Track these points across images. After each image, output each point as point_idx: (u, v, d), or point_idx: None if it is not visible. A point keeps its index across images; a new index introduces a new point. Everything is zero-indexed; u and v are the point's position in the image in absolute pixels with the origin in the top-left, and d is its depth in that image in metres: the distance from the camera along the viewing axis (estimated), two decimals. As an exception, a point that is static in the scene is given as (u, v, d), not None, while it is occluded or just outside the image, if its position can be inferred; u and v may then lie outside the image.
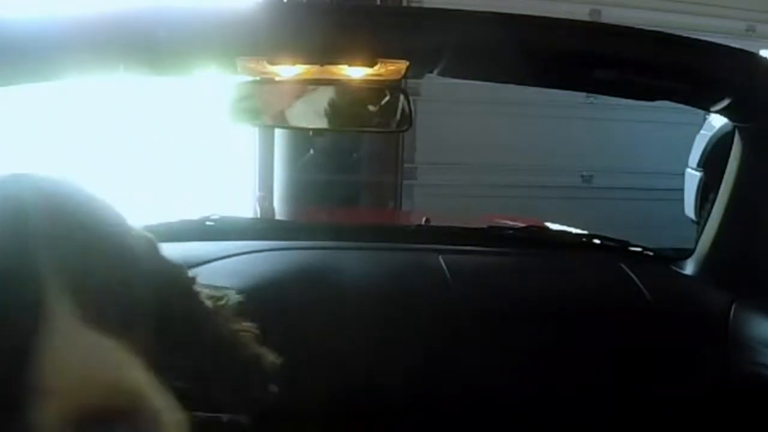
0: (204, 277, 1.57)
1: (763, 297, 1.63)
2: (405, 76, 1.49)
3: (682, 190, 5.19)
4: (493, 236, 1.97)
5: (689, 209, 5.08)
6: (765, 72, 1.50)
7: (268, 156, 4.98)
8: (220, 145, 4.93)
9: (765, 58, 1.56)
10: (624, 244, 1.94)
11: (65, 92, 3.92)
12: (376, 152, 5.39)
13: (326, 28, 1.39)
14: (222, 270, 1.61)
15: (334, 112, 1.57)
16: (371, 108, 1.58)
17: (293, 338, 1.54)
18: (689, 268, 1.78)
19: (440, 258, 1.72)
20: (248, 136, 4.96)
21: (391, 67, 1.44)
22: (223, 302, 0.93)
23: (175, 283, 0.75)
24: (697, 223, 4.75)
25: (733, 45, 1.49)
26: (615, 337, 1.63)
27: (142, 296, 0.67)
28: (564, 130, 5.58)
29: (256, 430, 1.51)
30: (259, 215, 2.78)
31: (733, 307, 1.63)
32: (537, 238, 2.02)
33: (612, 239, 1.96)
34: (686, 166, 5.17)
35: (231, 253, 1.66)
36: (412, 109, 1.57)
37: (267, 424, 1.51)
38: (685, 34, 1.51)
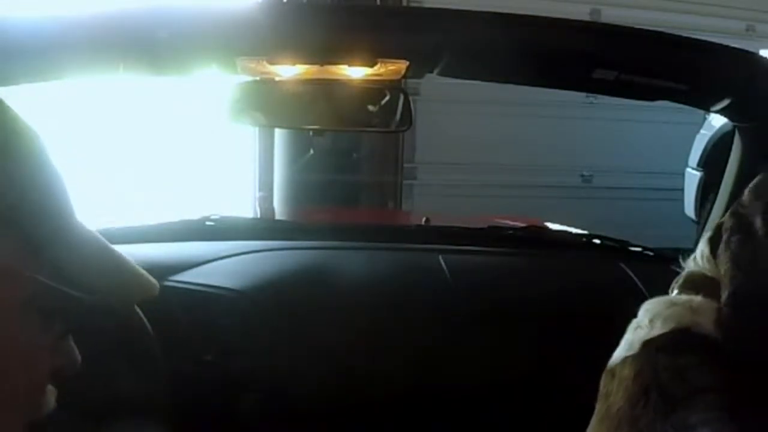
0: (204, 277, 1.58)
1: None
2: (405, 76, 1.49)
3: (682, 190, 5.19)
4: (493, 236, 1.97)
5: (689, 209, 5.08)
6: (765, 72, 1.50)
7: (268, 156, 4.98)
8: (220, 145, 4.93)
9: (765, 58, 1.56)
10: (624, 244, 1.94)
11: (65, 92, 3.92)
12: (376, 152, 5.39)
13: (326, 28, 1.39)
14: (222, 270, 1.62)
15: (334, 112, 1.57)
16: (371, 108, 1.58)
17: (293, 338, 1.54)
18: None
19: (440, 258, 1.72)
20: (248, 136, 4.96)
21: (391, 67, 1.44)
22: None
23: None
24: (697, 223, 4.74)
25: (733, 45, 1.49)
26: (615, 337, 1.62)
27: None
28: (564, 130, 5.58)
29: (259, 424, 1.52)
30: (259, 215, 2.78)
31: (733, 307, 1.63)
32: (537, 238, 2.02)
33: (612, 239, 1.96)
34: (686, 165, 5.17)
35: (231, 253, 1.67)
36: (412, 109, 1.57)
37: (267, 422, 1.51)
38: (685, 34, 1.50)
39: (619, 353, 0.99)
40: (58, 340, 0.60)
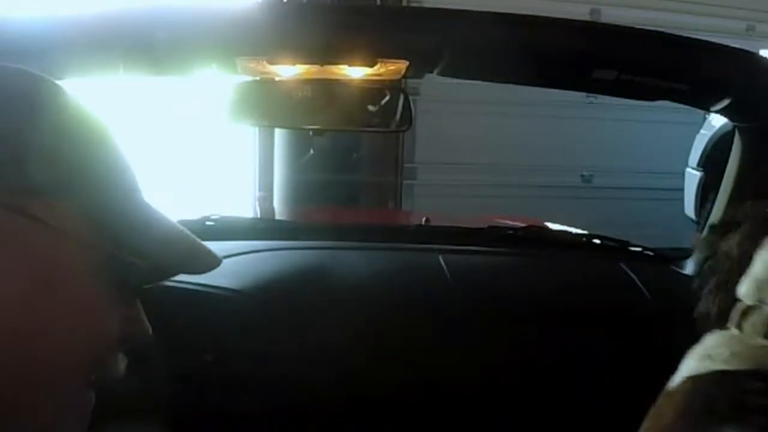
0: (204, 277, 1.58)
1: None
2: (405, 76, 1.49)
3: (682, 190, 5.19)
4: (493, 236, 1.97)
5: (689, 209, 5.09)
6: (765, 72, 1.50)
7: (268, 156, 4.98)
8: (220, 145, 4.93)
9: (765, 58, 1.56)
10: (624, 244, 1.94)
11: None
12: (376, 152, 5.39)
13: (326, 28, 1.39)
14: (222, 270, 1.60)
15: (334, 112, 1.57)
16: (371, 108, 1.58)
17: (293, 338, 1.54)
18: (689, 268, 1.78)
19: (440, 258, 1.72)
20: (248, 136, 4.96)
21: (391, 67, 1.44)
22: None
23: None
24: (697, 223, 4.75)
25: (733, 45, 1.49)
26: (615, 337, 1.63)
27: None
28: (564, 130, 5.58)
29: (259, 425, 1.52)
30: (259, 215, 2.78)
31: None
32: (537, 238, 2.02)
33: (612, 239, 1.96)
34: (686, 166, 5.17)
35: (231, 253, 1.66)
36: (412, 109, 1.57)
37: (267, 422, 1.51)
38: (685, 34, 1.51)
39: (680, 376, 0.95)
40: (128, 309, 0.64)
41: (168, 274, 0.69)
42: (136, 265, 0.63)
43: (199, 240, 0.68)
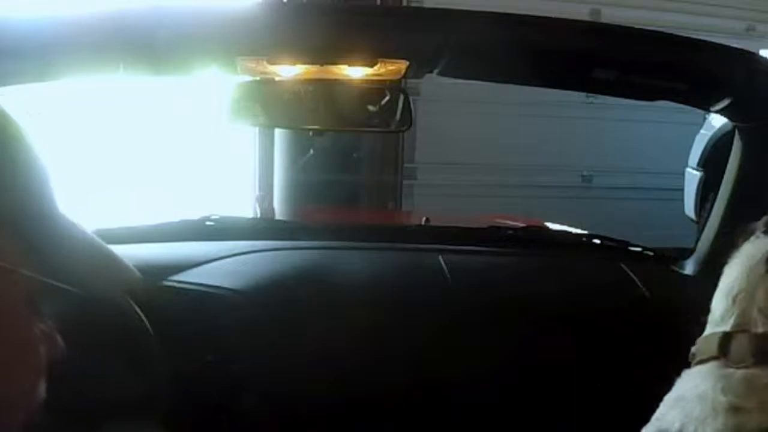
0: (204, 277, 1.59)
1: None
2: (405, 76, 1.49)
3: (682, 189, 5.19)
4: (493, 236, 1.97)
5: (689, 209, 5.08)
6: (765, 72, 1.50)
7: (268, 156, 4.97)
8: (220, 145, 4.93)
9: (765, 58, 1.56)
10: (624, 244, 1.94)
11: (65, 92, 3.92)
12: (376, 152, 5.39)
13: (326, 28, 1.39)
14: (222, 270, 1.62)
15: (334, 112, 1.57)
16: (371, 108, 1.58)
17: (293, 338, 1.54)
18: (689, 268, 1.78)
19: (440, 258, 1.72)
20: (248, 136, 4.96)
21: (391, 67, 1.44)
22: None
23: None
24: (697, 223, 4.75)
25: (733, 45, 1.49)
26: (615, 337, 1.63)
27: None
28: (564, 130, 5.58)
29: (259, 425, 1.52)
30: (259, 215, 2.78)
31: (733, 307, 1.63)
32: (537, 238, 2.02)
33: (612, 239, 1.96)
34: (686, 165, 5.17)
35: (231, 253, 1.67)
36: (412, 109, 1.58)
37: (267, 422, 1.51)
38: (685, 34, 1.51)
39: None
40: (50, 330, 0.61)
41: (86, 293, 0.64)
42: (65, 290, 0.59)
43: (119, 256, 0.64)
